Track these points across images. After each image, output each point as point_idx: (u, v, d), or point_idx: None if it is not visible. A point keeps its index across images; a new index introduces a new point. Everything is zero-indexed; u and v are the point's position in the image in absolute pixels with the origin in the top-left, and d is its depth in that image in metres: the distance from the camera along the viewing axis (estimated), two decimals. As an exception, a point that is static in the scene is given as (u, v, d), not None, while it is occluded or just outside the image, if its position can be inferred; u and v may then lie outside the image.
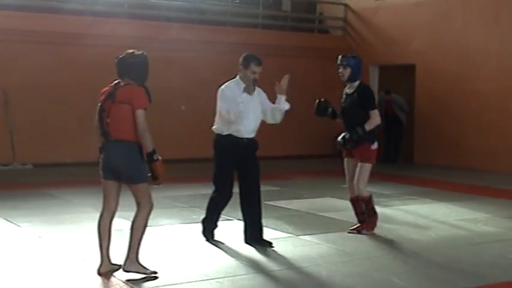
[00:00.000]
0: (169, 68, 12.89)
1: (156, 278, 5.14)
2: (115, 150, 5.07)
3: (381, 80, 15.33)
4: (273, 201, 8.90)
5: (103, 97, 5.16)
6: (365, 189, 6.85)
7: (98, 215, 7.82)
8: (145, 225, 5.19)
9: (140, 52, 5.23)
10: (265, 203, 8.71)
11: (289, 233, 6.93)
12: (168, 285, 5.02)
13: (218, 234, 6.75)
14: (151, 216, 5.21)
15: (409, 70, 14.46)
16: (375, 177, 12.75)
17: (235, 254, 6.00)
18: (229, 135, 6.31)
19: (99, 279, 5.13)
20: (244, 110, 6.23)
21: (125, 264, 5.17)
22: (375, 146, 6.87)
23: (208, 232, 6.58)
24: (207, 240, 6.52)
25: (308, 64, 15.27)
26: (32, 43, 12.23)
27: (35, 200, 8.70)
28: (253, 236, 6.43)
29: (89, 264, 5.51)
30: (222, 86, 6.41)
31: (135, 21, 13.29)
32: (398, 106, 14.33)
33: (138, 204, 5.16)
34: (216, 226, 6.64)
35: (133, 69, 5.12)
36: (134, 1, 13.88)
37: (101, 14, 13.13)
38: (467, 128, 13.42)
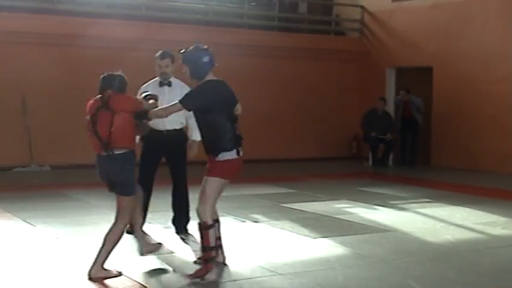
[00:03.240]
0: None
1: (120, 275, 5.18)
2: None
3: (398, 82, 15.26)
4: (289, 203, 8.88)
5: None
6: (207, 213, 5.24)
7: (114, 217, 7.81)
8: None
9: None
10: (281, 205, 8.78)
11: (305, 236, 6.92)
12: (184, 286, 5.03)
13: (233, 236, 6.76)
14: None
15: (426, 72, 14.39)
16: (391, 179, 12.68)
17: (251, 256, 5.99)
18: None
19: (116, 280, 5.15)
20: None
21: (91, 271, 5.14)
22: (224, 156, 5.20)
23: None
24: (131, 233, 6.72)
25: (324, 66, 15.27)
26: (45, 45, 12.28)
27: (52, 201, 8.75)
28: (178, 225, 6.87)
29: (105, 265, 5.52)
30: (142, 85, 6.82)
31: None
32: (415, 107, 14.27)
33: None
34: (144, 220, 6.85)
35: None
36: (150, 3, 13.94)
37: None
38: (484, 131, 13.32)
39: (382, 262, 5.90)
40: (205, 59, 5.25)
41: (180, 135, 6.72)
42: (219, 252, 5.49)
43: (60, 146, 12.32)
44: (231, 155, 5.18)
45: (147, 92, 5.83)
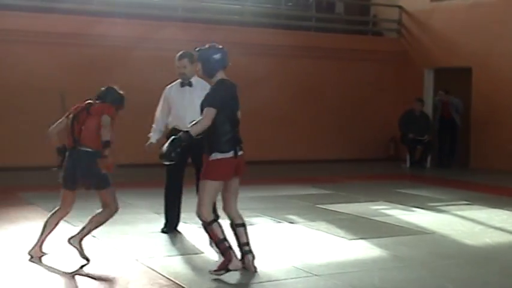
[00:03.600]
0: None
1: (88, 261, 5.56)
2: None
3: (436, 83, 15.10)
4: (325, 204, 8.85)
5: None
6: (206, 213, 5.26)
7: (152, 216, 7.91)
8: None
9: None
10: (317, 206, 8.75)
11: (341, 237, 6.87)
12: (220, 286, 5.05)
13: (268, 236, 6.74)
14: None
15: (465, 73, 14.20)
16: (429, 181, 12.49)
17: (286, 257, 5.98)
18: (173, 128, 6.70)
19: (152, 279, 5.19)
20: (176, 103, 6.73)
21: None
22: (217, 156, 5.23)
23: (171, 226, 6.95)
24: (166, 233, 6.85)
25: (362, 67, 15.17)
26: (78, 46, 12.44)
27: (90, 201, 8.79)
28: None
29: (142, 264, 5.57)
30: (167, 86, 6.98)
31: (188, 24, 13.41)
32: (454, 108, 14.09)
33: None
34: (178, 220, 7.00)
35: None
36: (188, 4, 14.02)
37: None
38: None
39: (419, 265, 5.83)
40: (217, 56, 5.29)
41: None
42: (250, 261, 5.35)
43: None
44: (225, 155, 5.20)
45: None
